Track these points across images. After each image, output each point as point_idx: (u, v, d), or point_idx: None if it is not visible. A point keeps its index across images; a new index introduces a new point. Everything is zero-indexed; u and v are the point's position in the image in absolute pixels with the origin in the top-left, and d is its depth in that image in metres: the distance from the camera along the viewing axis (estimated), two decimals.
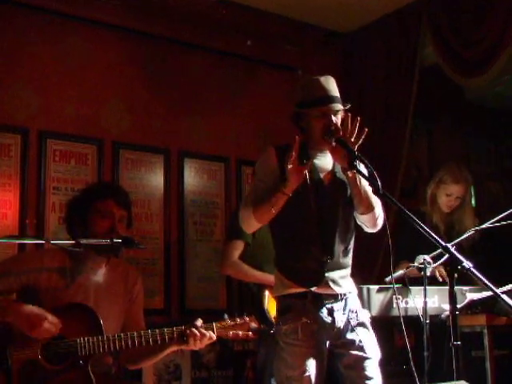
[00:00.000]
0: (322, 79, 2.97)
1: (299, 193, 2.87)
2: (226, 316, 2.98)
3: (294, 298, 2.89)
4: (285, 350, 2.86)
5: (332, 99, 2.93)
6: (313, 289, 2.87)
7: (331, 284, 2.90)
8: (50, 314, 2.77)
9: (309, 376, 2.80)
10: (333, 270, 2.91)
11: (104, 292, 3.02)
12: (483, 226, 3.62)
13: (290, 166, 2.75)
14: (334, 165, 3.01)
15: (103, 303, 2.97)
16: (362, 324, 2.96)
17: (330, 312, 2.89)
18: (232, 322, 2.96)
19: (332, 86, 2.97)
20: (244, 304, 4.19)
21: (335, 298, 2.91)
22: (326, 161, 3.01)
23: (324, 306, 2.88)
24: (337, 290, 2.91)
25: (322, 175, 2.97)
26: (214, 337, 2.92)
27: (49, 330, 2.76)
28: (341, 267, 2.96)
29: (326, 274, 2.89)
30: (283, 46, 5.63)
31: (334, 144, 2.86)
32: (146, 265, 4.81)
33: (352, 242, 3.05)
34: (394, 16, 5.43)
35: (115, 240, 2.89)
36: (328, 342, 2.89)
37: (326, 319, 2.87)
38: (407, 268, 3.74)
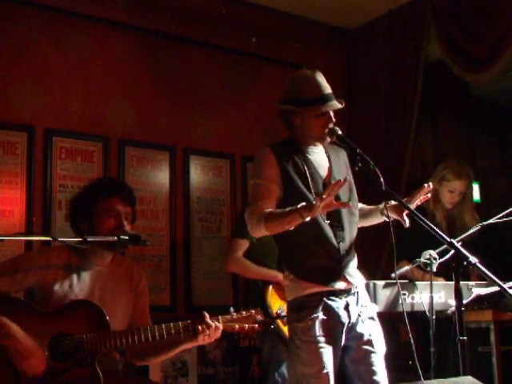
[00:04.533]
0: (317, 76, 2.96)
1: (301, 193, 2.88)
2: (231, 309, 3.00)
3: (310, 295, 2.87)
4: (301, 347, 2.84)
5: (331, 97, 2.94)
6: (335, 285, 2.87)
7: (348, 278, 2.91)
8: (41, 353, 2.77)
9: (327, 373, 2.79)
10: (346, 263, 2.92)
11: (109, 289, 3.04)
12: (488, 222, 3.62)
13: (325, 197, 2.59)
14: (330, 160, 3.03)
15: (109, 300, 2.98)
16: (371, 318, 2.97)
17: (346, 307, 2.89)
18: (238, 315, 2.97)
19: (325, 82, 2.97)
20: (249, 299, 4.20)
21: (349, 292, 2.91)
22: (321, 157, 3.02)
23: (340, 300, 2.88)
24: (353, 282, 2.91)
25: (321, 172, 2.98)
26: (221, 327, 2.92)
27: (33, 367, 2.75)
28: (352, 259, 2.97)
29: (343, 269, 2.90)
30: (288, 42, 5.63)
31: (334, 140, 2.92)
32: (152, 262, 4.83)
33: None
34: (398, 12, 5.42)
35: (122, 237, 2.90)
36: (344, 337, 2.88)
37: (342, 314, 2.87)
38: (413, 263, 3.74)
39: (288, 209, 2.72)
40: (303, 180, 2.91)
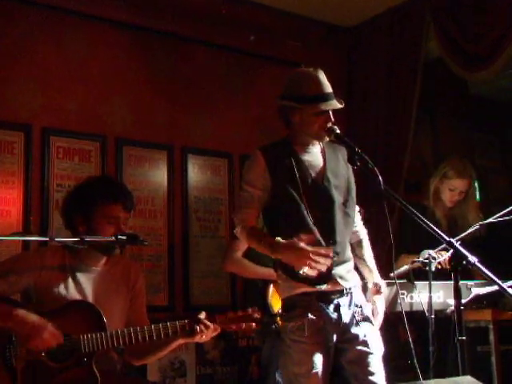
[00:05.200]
0: (319, 74, 2.95)
1: (291, 196, 2.87)
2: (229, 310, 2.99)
3: (301, 295, 2.87)
4: (291, 347, 2.85)
5: (331, 96, 2.92)
6: (322, 287, 2.86)
7: (339, 280, 2.89)
8: (52, 326, 2.76)
9: (316, 372, 2.79)
10: (339, 265, 2.91)
11: (105, 289, 3.02)
12: (488, 221, 3.60)
13: (301, 246, 2.69)
14: (325, 160, 3.00)
15: (105, 300, 2.97)
16: (366, 319, 2.95)
17: (337, 308, 2.88)
18: (235, 315, 2.96)
19: (327, 81, 2.96)
20: (248, 298, 4.18)
21: (341, 293, 2.90)
22: (314, 157, 3.00)
23: (331, 301, 2.88)
24: (345, 284, 2.90)
25: (313, 173, 2.96)
26: (219, 328, 2.92)
27: (47, 341, 2.75)
28: (345, 261, 2.96)
29: (334, 271, 2.88)
30: (286, 41, 5.62)
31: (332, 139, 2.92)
32: (150, 261, 4.81)
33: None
34: (397, 10, 5.42)
35: (120, 237, 2.88)
36: (335, 338, 2.88)
37: (332, 315, 2.86)
38: (412, 263, 3.73)
39: (265, 239, 2.87)
40: (293, 183, 2.89)
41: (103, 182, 3.26)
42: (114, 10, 4.87)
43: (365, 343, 2.88)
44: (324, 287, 2.86)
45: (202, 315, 2.92)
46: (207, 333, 2.90)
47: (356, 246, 3.16)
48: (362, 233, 3.19)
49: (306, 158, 2.97)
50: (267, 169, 2.90)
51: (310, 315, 2.82)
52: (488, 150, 7.00)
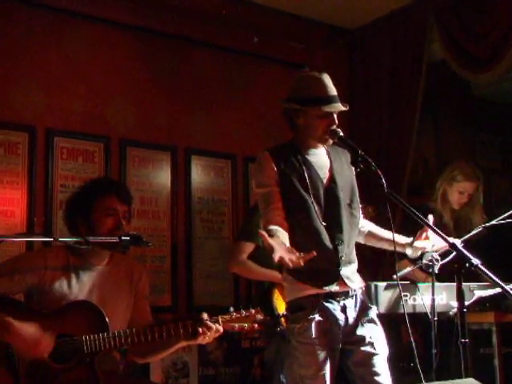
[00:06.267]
0: (323, 77, 2.95)
1: (299, 195, 2.87)
2: (231, 309, 2.98)
3: (307, 297, 2.86)
4: (298, 348, 2.84)
5: (336, 99, 2.93)
6: (332, 288, 2.85)
7: (346, 281, 2.89)
8: (45, 335, 2.77)
9: (323, 374, 2.78)
10: (345, 266, 2.91)
11: (109, 288, 3.02)
12: (491, 223, 3.60)
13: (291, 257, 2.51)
14: (331, 162, 3.01)
15: (108, 299, 2.98)
16: (371, 320, 2.95)
17: (343, 309, 2.88)
18: (237, 315, 2.95)
19: (331, 84, 2.96)
20: (253, 299, 4.18)
21: (346, 294, 2.90)
22: (320, 158, 3.00)
23: (337, 303, 2.87)
24: (351, 285, 2.90)
25: (320, 174, 2.96)
26: (221, 329, 2.91)
27: (44, 351, 2.76)
28: (351, 262, 2.96)
29: (341, 272, 2.88)
30: (289, 42, 5.62)
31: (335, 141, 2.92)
32: (154, 262, 4.82)
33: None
34: (400, 12, 5.41)
35: (124, 238, 2.89)
36: (341, 340, 2.87)
37: (339, 316, 2.86)
38: (415, 265, 3.72)
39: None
40: (302, 182, 2.89)
41: (95, 181, 3.30)
42: (115, 11, 4.88)
43: (370, 344, 2.88)
44: (332, 288, 2.85)
45: (205, 316, 2.91)
46: (210, 334, 2.89)
47: (369, 235, 3.16)
48: (367, 224, 3.19)
49: (313, 159, 2.98)
50: (276, 168, 2.90)
51: (317, 317, 2.82)
52: (489, 151, 7.00)
